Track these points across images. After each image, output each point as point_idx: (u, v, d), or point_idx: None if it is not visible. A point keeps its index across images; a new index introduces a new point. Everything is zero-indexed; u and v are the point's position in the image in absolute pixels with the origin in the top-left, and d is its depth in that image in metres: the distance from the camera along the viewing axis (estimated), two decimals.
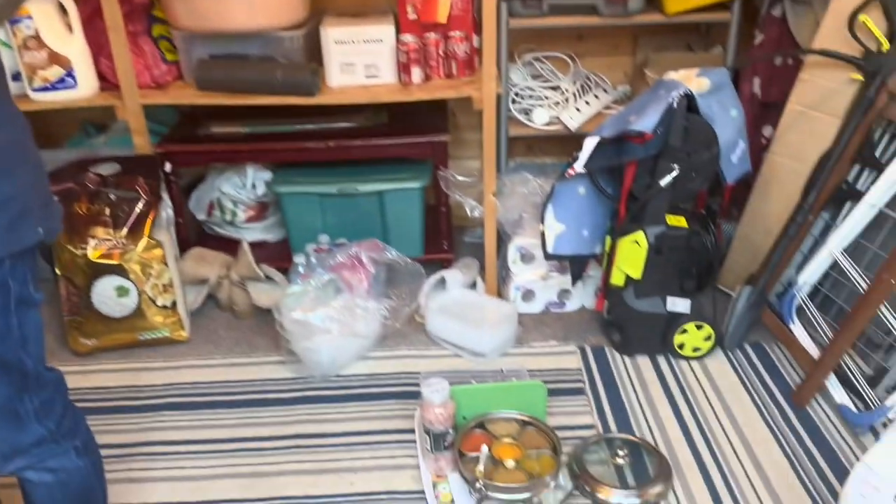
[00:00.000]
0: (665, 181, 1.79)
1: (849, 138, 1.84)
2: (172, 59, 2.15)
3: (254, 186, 2.34)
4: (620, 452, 1.64)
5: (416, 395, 1.73)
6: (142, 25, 2.10)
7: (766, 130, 2.22)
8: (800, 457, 1.65)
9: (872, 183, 1.82)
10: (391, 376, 1.95)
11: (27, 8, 1.91)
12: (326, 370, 1.94)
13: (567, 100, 2.34)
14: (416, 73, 2.08)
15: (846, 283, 1.86)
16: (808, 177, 1.95)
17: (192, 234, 2.37)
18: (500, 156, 2.31)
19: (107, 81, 2.11)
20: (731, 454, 1.67)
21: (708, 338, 1.95)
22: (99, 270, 1.97)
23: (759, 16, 2.22)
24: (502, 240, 2.22)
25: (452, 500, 1.53)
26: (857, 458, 1.60)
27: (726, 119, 1.85)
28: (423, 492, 1.57)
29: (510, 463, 1.56)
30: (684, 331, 1.93)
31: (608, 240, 1.96)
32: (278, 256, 2.29)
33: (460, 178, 2.20)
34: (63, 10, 1.96)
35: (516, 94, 2.36)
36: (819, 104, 1.93)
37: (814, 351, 1.86)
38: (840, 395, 1.77)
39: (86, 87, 2.06)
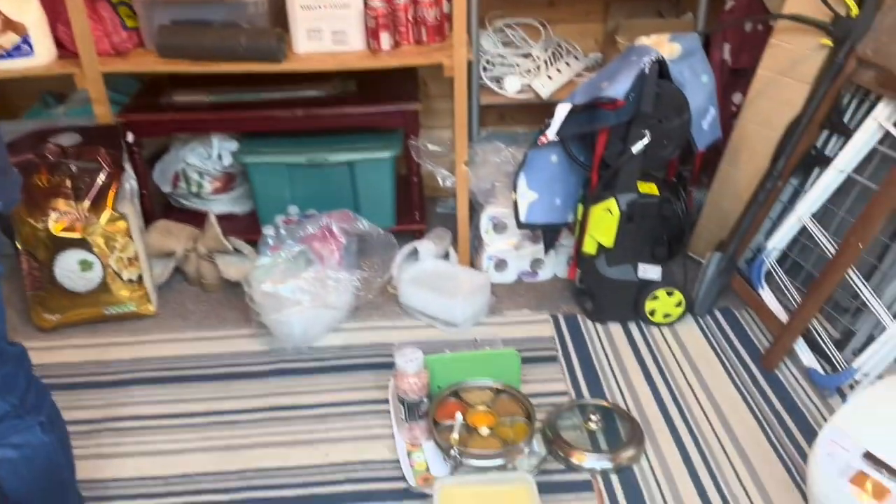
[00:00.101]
0: (637, 148, 1.79)
1: (818, 104, 1.85)
2: (133, 26, 2.08)
3: (220, 157, 2.29)
4: (593, 418, 1.65)
5: (389, 367, 1.72)
6: None
7: (736, 98, 2.23)
8: (769, 419, 1.68)
9: (841, 148, 1.84)
10: (364, 348, 1.93)
11: None
12: (298, 342, 1.92)
13: (539, 67, 2.32)
14: (385, 40, 2.04)
15: (814, 248, 1.89)
16: (777, 143, 1.96)
17: (158, 207, 2.32)
18: (472, 125, 2.29)
19: (65, 49, 2.04)
20: (701, 417, 1.69)
21: (678, 304, 1.97)
22: (61, 244, 1.91)
23: None
24: (475, 209, 2.20)
25: (427, 468, 1.53)
26: (825, 420, 1.63)
27: (697, 85, 1.85)
28: (397, 461, 1.57)
29: (484, 430, 1.57)
30: (655, 297, 1.95)
31: (580, 208, 1.95)
32: (247, 229, 2.25)
33: (432, 147, 2.18)
34: None
35: (487, 62, 2.33)
36: (789, 70, 1.93)
37: (782, 315, 1.88)
38: (808, 358, 1.79)
39: (43, 54, 1.99)
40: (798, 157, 1.91)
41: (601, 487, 1.51)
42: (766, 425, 1.66)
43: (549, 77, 2.29)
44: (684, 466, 1.56)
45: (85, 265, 1.95)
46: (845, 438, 1.30)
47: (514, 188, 1.94)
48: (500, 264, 2.18)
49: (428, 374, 1.61)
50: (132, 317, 2.04)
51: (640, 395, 1.76)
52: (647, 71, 1.73)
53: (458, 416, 1.57)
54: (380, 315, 2.06)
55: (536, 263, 2.20)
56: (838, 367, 1.72)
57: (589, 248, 1.94)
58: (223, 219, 2.23)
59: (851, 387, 1.73)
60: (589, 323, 2.02)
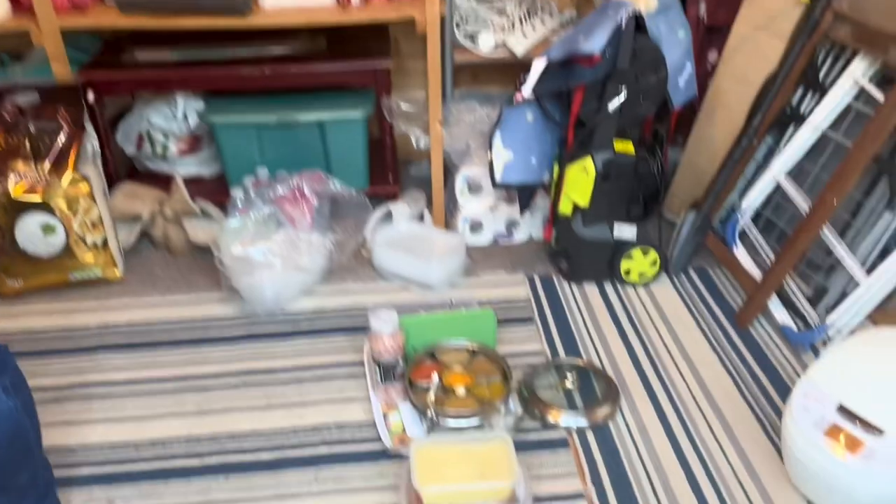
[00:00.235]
0: (613, 105, 1.76)
1: (794, 61, 1.84)
2: None
3: (185, 117, 2.22)
4: (569, 376, 1.65)
5: (364, 329, 1.70)
6: None
7: (712, 56, 2.21)
8: (743, 376, 1.69)
9: (816, 105, 1.83)
10: (338, 311, 1.90)
11: None
12: (270, 306, 1.88)
13: (513, 24, 2.27)
14: None
15: (788, 206, 1.89)
16: (753, 100, 1.94)
17: (122, 170, 2.25)
18: (446, 84, 2.24)
19: (19, 4, 1.95)
20: (676, 375, 1.69)
21: (654, 263, 1.96)
22: (22, 207, 1.85)
23: None
24: (449, 171, 2.17)
25: (403, 429, 1.52)
26: (799, 376, 1.64)
27: (674, 40, 1.82)
28: (373, 423, 1.55)
29: (461, 390, 1.56)
30: (630, 257, 1.94)
31: (556, 167, 1.93)
32: (215, 191, 2.20)
33: (405, 107, 2.13)
34: None
35: (460, 18, 2.28)
36: (766, 26, 1.91)
37: (756, 274, 1.89)
38: (782, 315, 1.80)
39: None
40: (773, 114, 1.90)
41: (577, 445, 1.51)
42: (740, 382, 1.67)
43: (524, 35, 2.24)
44: (659, 423, 1.57)
45: (48, 229, 1.88)
46: (819, 392, 1.31)
47: (490, 147, 1.91)
48: (476, 226, 2.16)
49: (403, 336, 1.59)
50: (98, 282, 1.99)
51: (615, 354, 1.76)
52: (623, 25, 1.69)
53: (435, 376, 1.56)
54: (354, 278, 2.03)
55: (512, 225, 2.18)
56: (811, 323, 1.73)
57: (564, 208, 1.92)
58: (190, 182, 2.17)
59: (825, 343, 1.74)
60: (564, 283, 2.01)
